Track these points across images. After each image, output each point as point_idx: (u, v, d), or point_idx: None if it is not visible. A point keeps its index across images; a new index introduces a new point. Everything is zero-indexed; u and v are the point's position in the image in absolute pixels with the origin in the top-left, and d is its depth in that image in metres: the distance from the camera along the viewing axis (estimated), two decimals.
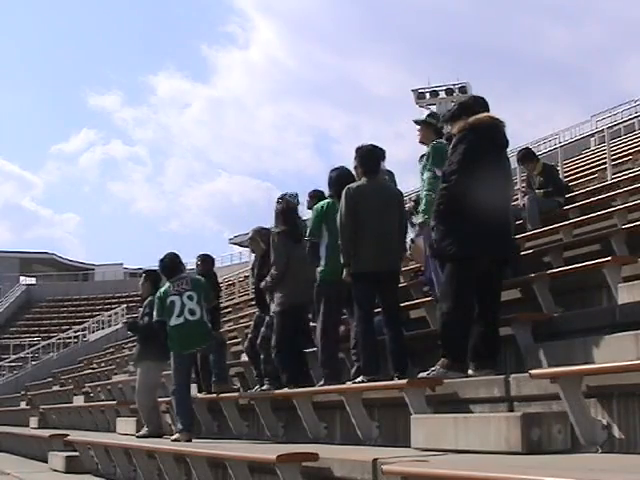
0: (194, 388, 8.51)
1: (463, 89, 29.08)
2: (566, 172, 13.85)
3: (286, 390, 7.05)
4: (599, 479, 3.00)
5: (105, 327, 32.10)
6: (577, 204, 9.52)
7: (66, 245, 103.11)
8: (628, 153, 14.52)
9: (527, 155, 10.02)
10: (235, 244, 42.64)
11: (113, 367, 19.59)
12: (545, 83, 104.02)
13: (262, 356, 7.72)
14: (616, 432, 3.97)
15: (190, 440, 7.51)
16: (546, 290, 6.27)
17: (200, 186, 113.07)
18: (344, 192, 6.33)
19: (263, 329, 7.74)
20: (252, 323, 8.67)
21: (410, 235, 7.40)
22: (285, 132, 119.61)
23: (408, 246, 7.48)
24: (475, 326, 5.27)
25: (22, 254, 49.70)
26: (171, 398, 8.03)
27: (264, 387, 7.68)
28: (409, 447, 4.72)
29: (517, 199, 11.09)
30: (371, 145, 6.57)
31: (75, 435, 10.30)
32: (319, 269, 6.71)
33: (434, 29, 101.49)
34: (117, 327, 28.99)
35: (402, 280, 7.91)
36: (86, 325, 32.78)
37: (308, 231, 6.89)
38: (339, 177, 6.74)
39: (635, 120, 19.99)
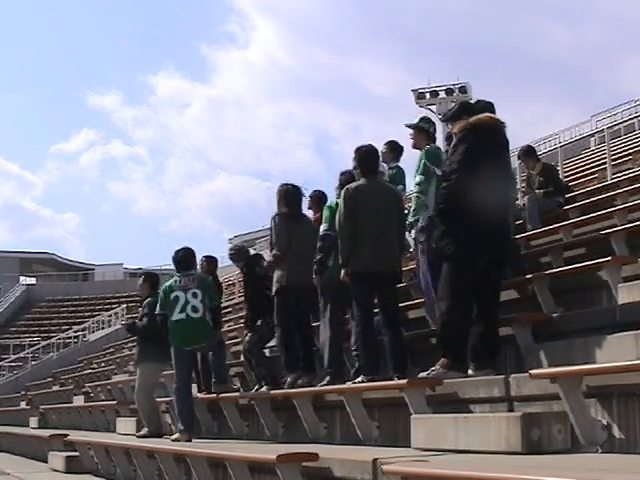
0: (194, 388, 8.51)
1: (463, 89, 28.98)
2: (566, 172, 13.83)
3: (286, 390, 7.06)
4: (599, 479, 3.00)
5: (105, 327, 32.08)
6: (577, 204, 9.54)
7: (66, 245, 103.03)
8: (628, 153, 14.49)
9: (529, 152, 10.03)
10: None
11: (113, 367, 19.59)
12: (545, 83, 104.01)
13: (253, 361, 7.85)
14: (616, 432, 3.97)
15: (190, 440, 7.51)
16: (546, 290, 6.26)
17: (200, 186, 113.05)
18: (343, 192, 6.34)
19: (249, 335, 7.89)
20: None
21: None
22: (285, 132, 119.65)
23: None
24: (475, 326, 5.29)
25: (22, 254, 49.75)
26: (172, 397, 8.06)
27: (263, 389, 7.69)
28: (409, 447, 4.72)
29: (517, 199, 11.08)
30: (370, 145, 6.58)
31: (75, 435, 10.30)
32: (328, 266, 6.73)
33: (434, 29, 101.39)
34: (117, 327, 28.95)
35: (402, 280, 7.90)
36: (86, 325, 32.75)
37: (325, 226, 6.87)
38: (348, 180, 6.76)
39: (635, 120, 19.96)
